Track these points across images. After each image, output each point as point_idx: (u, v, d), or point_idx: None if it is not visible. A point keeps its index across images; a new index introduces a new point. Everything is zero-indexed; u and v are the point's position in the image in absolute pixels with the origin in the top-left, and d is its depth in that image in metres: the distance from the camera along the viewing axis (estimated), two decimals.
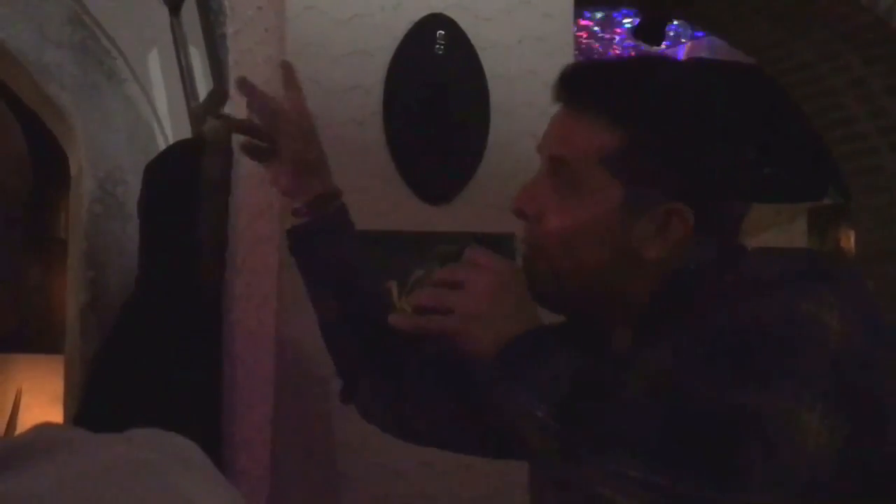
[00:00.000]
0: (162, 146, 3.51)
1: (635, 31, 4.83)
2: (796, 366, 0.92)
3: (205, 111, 2.80)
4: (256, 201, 2.38)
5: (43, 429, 0.56)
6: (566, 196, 1.08)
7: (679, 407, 0.93)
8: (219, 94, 2.68)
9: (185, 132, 3.10)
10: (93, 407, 2.75)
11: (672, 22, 5.17)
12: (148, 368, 2.55)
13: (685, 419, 0.92)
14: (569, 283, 1.10)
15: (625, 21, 5.66)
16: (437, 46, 2.25)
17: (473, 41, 2.28)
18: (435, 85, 2.24)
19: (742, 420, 0.89)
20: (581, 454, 0.96)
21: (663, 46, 5.72)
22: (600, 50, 6.20)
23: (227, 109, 2.62)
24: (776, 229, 5.47)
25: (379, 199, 2.22)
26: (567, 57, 2.43)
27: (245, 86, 1.52)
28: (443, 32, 2.26)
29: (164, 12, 3.08)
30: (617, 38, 5.99)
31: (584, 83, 1.12)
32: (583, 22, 5.63)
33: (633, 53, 6.36)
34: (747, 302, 0.97)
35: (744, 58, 4.51)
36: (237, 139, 2.54)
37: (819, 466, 0.89)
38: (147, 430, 0.60)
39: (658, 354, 1.02)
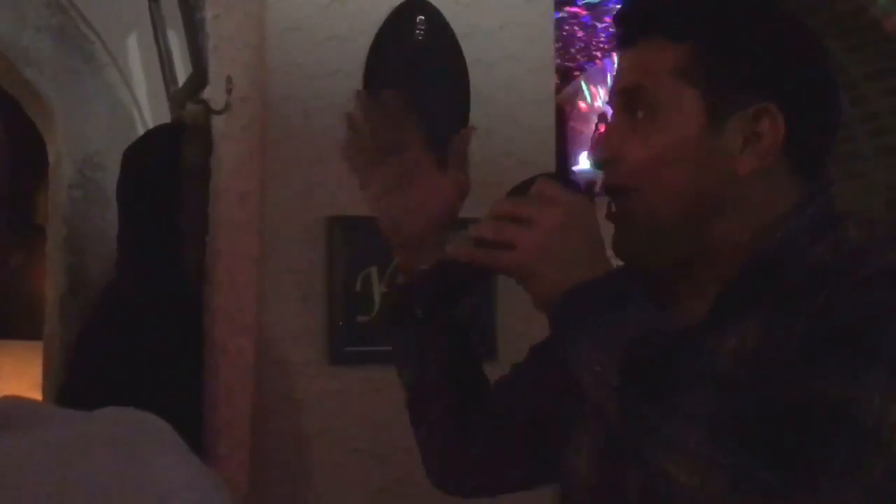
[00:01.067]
0: (141, 131, 3.49)
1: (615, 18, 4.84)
2: (887, 364, 0.84)
3: (184, 96, 2.79)
4: (237, 187, 2.38)
5: (9, 400, 0.55)
6: (644, 124, 1.01)
7: (762, 386, 0.87)
8: (198, 79, 2.67)
9: (165, 117, 3.08)
10: (73, 392, 2.75)
11: None
12: (128, 354, 2.54)
13: (767, 400, 0.85)
14: (665, 222, 1.01)
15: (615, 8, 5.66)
16: (418, 32, 2.25)
17: (454, 26, 2.28)
18: (415, 70, 2.24)
19: (832, 412, 0.83)
20: (643, 419, 0.88)
21: None
22: (583, 38, 6.20)
23: (207, 94, 2.61)
24: None
25: (358, 185, 2.22)
26: (547, 43, 2.43)
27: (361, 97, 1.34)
28: (423, 18, 2.26)
29: None
30: (600, 25, 5.99)
31: (636, 17, 1.06)
32: (571, 9, 5.63)
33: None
34: (854, 291, 0.90)
35: None
36: (217, 124, 2.53)
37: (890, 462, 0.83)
38: (120, 408, 0.59)
39: (742, 328, 0.96)
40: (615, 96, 1.06)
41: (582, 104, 7.05)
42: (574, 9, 5.72)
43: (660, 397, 0.87)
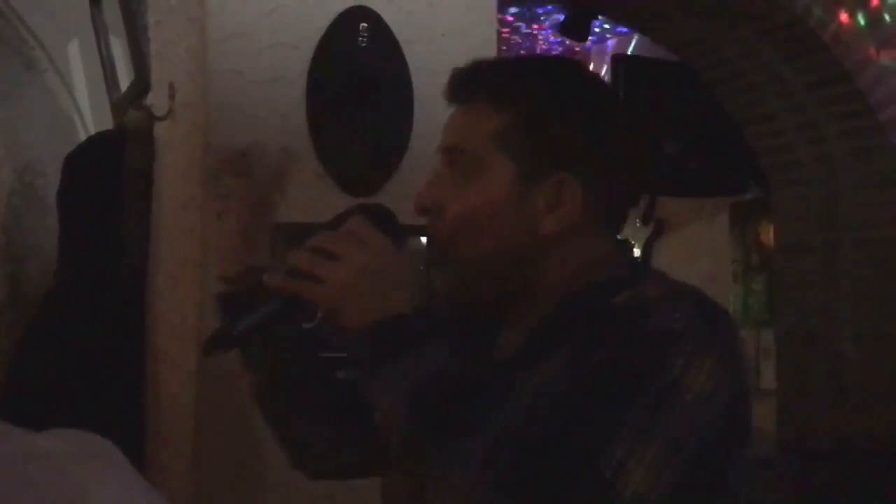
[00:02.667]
0: (83, 137, 3.46)
1: (561, 27, 4.88)
2: (639, 417, 0.97)
3: (127, 102, 2.76)
4: (179, 193, 2.36)
5: None
6: (464, 182, 1.11)
7: (529, 429, 0.98)
8: (140, 85, 2.65)
9: (107, 123, 3.05)
10: (12, 403, 2.70)
11: (597, 18, 5.23)
12: (68, 363, 2.51)
13: (529, 444, 0.97)
14: (474, 269, 1.12)
15: (542, 17, 5.70)
16: (361, 39, 2.26)
17: (397, 34, 2.29)
18: (358, 77, 2.24)
19: (581, 461, 0.95)
20: (424, 458, 0.99)
21: (589, 42, 5.78)
22: (527, 46, 6.25)
23: (149, 100, 2.59)
24: (699, 223, 5.57)
25: (302, 192, 2.22)
26: (490, 51, 2.44)
27: None
28: (366, 25, 2.26)
29: (84, 1, 3.03)
30: (541, 33, 6.04)
31: (468, 79, 1.16)
32: (507, 18, 5.67)
33: (560, 49, 6.41)
34: (625, 348, 1.01)
35: (667, 54, 4.59)
36: (160, 131, 2.52)
37: None
38: (65, 429, 0.59)
39: (546, 367, 1.05)
40: (440, 153, 1.16)
41: None
42: (508, 17, 5.76)
43: (439, 439, 0.98)
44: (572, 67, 1.22)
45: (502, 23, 5.53)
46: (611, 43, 6.18)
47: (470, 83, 1.15)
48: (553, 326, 1.09)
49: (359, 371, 1.05)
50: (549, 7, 5.57)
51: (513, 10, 5.58)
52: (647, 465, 0.95)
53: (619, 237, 1.19)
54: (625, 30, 5.83)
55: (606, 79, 6.00)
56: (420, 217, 1.15)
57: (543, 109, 1.12)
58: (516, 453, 0.96)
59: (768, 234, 4.99)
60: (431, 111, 2.31)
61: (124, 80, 2.82)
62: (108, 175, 2.59)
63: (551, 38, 6.17)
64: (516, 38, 6.12)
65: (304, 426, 1.31)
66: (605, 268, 1.12)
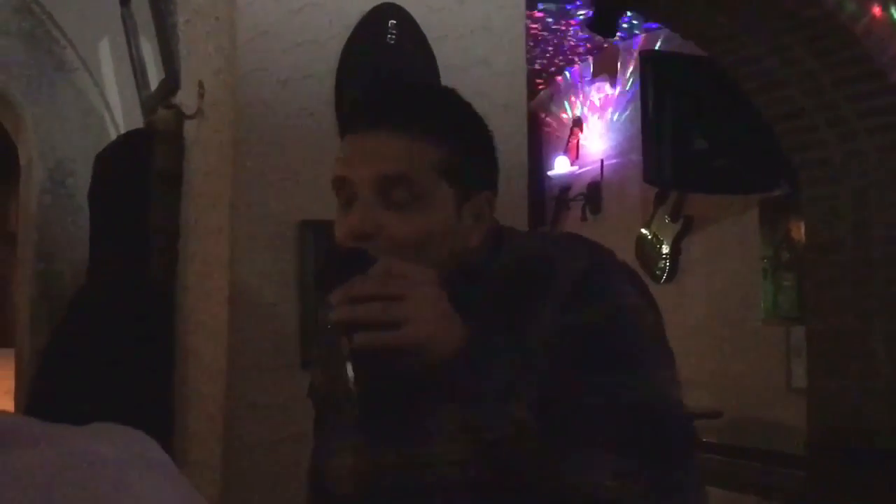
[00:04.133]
0: (112, 136, 3.48)
1: (589, 23, 4.86)
2: (658, 350, 1.18)
3: (156, 101, 2.78)
4: (208, 192, 2.37)
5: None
6: (406, 208, 1.18)
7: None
8: (170, 84, 2.66)
9: (137, 122, 3.07)
10: (42, 399, 2.73)
11: (625, 14, 5.20)
12: (98, 360, 2.53)
13: (627, 408, 1.10)
14: None
15: (578, 13, 5.68)
16: (389, 36, 2.26)
17: (425, 31, 2.29)
18: (387, 74, 2.24)
19: (665, 409, 1.12)
20: (540, 444, 1.07)
21: (616, 38, 5.76)
22: (554, 41, 6.23)
23: (179, 99, 2.60)
24: (728, 220, 5.52)
25: (330, 189, 2.22)
26: (519, 47, 2.44)
27: None
28: (395, 22, 2.26)
29: (114, 1, 3.05)
30: (570, 29, 6.01)
31: (394, 108, 1.23)
32: (535, 13, 5.64)
33: (588, 45, 6.38)
34: (578, 307, 1.14)
35: (695, 50, 4.56)
36: (189, 129, 2.53)
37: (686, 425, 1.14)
38: (108, 425, 0.59)
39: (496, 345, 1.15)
40: (373, 180, 1.18)
41: (556, 109, 7.08)
42: (539, 14, 5.74)
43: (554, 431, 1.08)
44: (458, 96, 1.31)
45: (531, 18, 5.52)
46: (638, 39, 6.15)
47: (399, 112, 1.22)
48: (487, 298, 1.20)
49: (459, 395, 1.09)
50: (578, 2, 5.55)
51: (541, 6, 5.56)
52: (674, 381, 1.16)
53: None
54: (653, 25, 5.80)
55: (637, 74, 5.97)
56: (355, 243, 1.16)
57: (471, 140, 1.25)
58: (636, 421, 1.09)
59: (798, 231, 4.95)
60: None
61: (154, 79, 2.84)
62: (138, 174, 2.60)
63: (579, 34, 6.15)
64: (545, 33, 6.10)
65: None
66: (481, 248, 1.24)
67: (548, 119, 7.13)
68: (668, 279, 5.95)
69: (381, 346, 1.06)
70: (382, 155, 1.19)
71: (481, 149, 1.27)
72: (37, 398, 2.82)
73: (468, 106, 1.29)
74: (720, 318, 5.56)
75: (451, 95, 1.32)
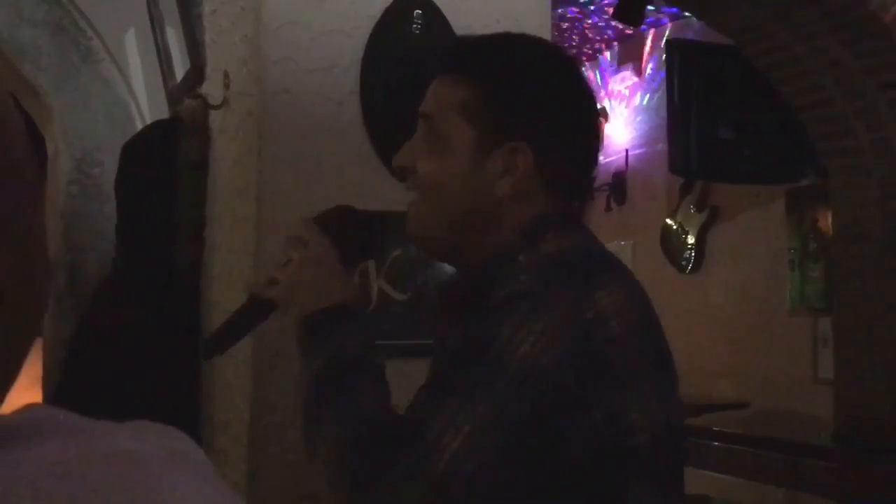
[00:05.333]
0: (139, 126, 3.49)
1: (614, 12, 4.83)
2: (466, 387, 1.09)
3: (182, 91, 2.79)
4: (234, 182, 2.38)
5: (31, 411, 0.55)
6: (433, 145, 1.24)
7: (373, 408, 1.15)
8: (195, 74, 2.67)
9: (163, 112, 3.08)
10: (69, 388, 2.75)
11: (651, 2, 5.17)
12: (125, 350, 2.54)
13: (383, 416, 1.14)
14: (437, 225, 1.25)
15: (604, 2, 5.65)
16: (415, 26, 2.25)
17: (451, 21, 2.28)
18: (412, 64, 2.24)
19: (406, 427, 1.11)
20: (314, 417, 1.18)
21: (643, 26, 5.72)
22: (579, 31, 6.20)
23: (204, 89, 2.61)
24: (755, 210, 5.49)
25: (356, 179, 2.22)
26: (545, 37, 2.43)
27: None
28: (420, 12, 2.26)
29: None
30: (590, 18, 5.98)
31: (448, 54, 1.31)
32: (570, 8, 5.62)
33: (611, 34, 6.35)
34: (481, 314, 1.13)
35: (723, 39, 4.52)
36: (215, 119, 2.53)
37: (456, 466, 1.06)
38: (143, 423, 0.59)
39: (453, 335, 1.22)
40: (419, 117, 1.28)
41: None
42: (573, 8, 5.72)
43: (325, 404, 1.16)
44: (538, 44, 1.33)
45: (556, 8, 5.49)
46: (665, 27, 6.12)
47: (448, 57, 1.30)
48: (463, 291, 1.25)
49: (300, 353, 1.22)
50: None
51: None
52: (464, 436, 1.06)
53: (572, 204, 1.30)
54: (679, 14, 5.76)
55: (661, 63, 5.94)
56: (397, 176, 1.29)
57: (503, 84, 1.24)
58: (374, 426, 1.12)
59: (826, 221, 4.91)
60: None
61: (179, 69, 2.85)
62: (164, 164, 2.61)
63: (604, 23, 6.12)
64: (568, 23, 6.07)
65: None
66: (521, 228, 1.22)
67: None
68: (694, 270, 5.93)
69: (254, 296, 1.26)
70: (428, 96, 1.28)
71: (517, 96, 1.24)
72: (64, 388, 2.84)
73: (522, 55, 1.29)
74: (746, 308, 5.53)
75: (509, 42, 1.33)
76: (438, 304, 1.37)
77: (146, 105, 3.56)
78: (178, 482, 0.53)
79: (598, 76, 6.87)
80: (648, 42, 6.34)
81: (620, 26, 5.93)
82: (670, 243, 6.07)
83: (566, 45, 6.43)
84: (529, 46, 1.32)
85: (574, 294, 1.11)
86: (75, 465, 0.51)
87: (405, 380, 1.28)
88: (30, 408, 0.55)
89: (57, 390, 2.92)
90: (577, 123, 1.27)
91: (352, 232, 1.28)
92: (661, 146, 5.76)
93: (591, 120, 1.30)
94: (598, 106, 6.78)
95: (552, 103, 1.25)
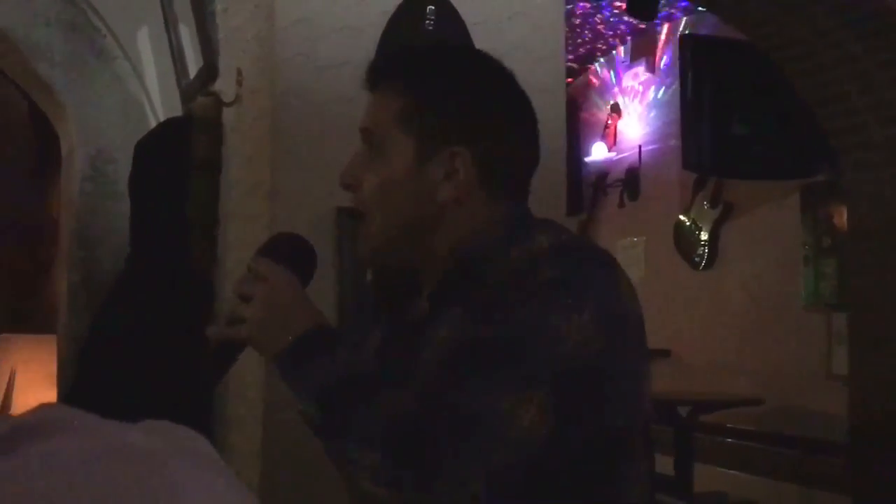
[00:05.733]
0: (152, 124, 3.50)
1: (628, 6, 4.82)
2: (524, 373, 1.10)
3: (195, 88, 2.79)
4: (247, 178, 2.38)
5: (44, 410, 0.55)
6: (374, 160, 1.26)
7: (408, 403, 1.13)
8: (208, 72, 2.68)
9: (176, 109, 3.09)
10: (84, 385, 2.76)
11: None
12: (139, 346, 2.55)
13: (410, 414, 1.11)
14: (386, 238, 1.26)
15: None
16: (427, 22, 2.25)
17: (463, 16, 2.28)
18: None
19: (456, 419, 1.09)
20: (338, 447, 1.16)
21: (655, 21, 5.71)
22: (591, 26, 6.18)
23: (217, 86, 2.61)
24: (768, 206, 5.46)
25: None
26: (557, 33, 2.42)
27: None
28: (433, 7, 2.25)
29: None
30: (601, 13, 5.96)
31: (377, 67, 1.32)
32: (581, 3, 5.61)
33: (624, 29, 6.33)
34: (513, 307, 1.14)
35: (736, 34, 4.51)
36: (228, 116, 2.54)
37: (520, 449, 1.09)
38: (156, 421, 0.59)
39: (451, 318, 1.20)
40: (360, 132, 1.30)
41: (593, 94, 7.04)
42: (584, 4, 5.70)
43: (343, 425, 1.13)
44: (467, 51, 1.39)
45: (568, 3, 5.48)
46: (678, 22, 6.10)
47: (378, 71, 1.30)
48: (447, 287, 1.24)
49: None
50: None
51: None
52: (536, 407, 1.08)
53: (518, 202, 1.30)
54: (693, 8, 5.74)
55: (675, 58, 5.92)
56: (345, 191, 1.29)
57: (437, 90, 1.26)
58: (409, 428, 1.10)
59: (840, 217, 4.89)
60: None
61: (193, 66, 2.85)
62: (178, 161, 2.62)
63: (616, 19, 6.10)
64: (580, 18, 6.06)
65: None
66: (497, 227, 1.24)
67: (585, 105, 7.09)
68: (707, 266, 5.91)
69: (217, 339, 1.22)
70: (366, 111, 1.30)
71: (453, 102, 1.26)
72: (79, 384, 2.85)
73: (458, 60, 1.33)
74: (760, 304, 5.51)
75: (439, 50, 1.37)
76: (385, 302, 1.35)
77: (159, 103, 3.57)
78: (189, 478, 0.53)
79: (612, 72, 6.86)
80: (661, 37, 6.32)
81: (633, 21, 5.92)
82: (684, 239, 6.05)
83: (578, 40, 6.42)
84: (459, 53, 1.36)
85: (607, 279, 1.17)
86: (86, 462, 0.52)
87: None
88: (43, 407, 0.55)
89: (71, 387, 2.93)
90: (513, 125, 1.29)
91: (301, 255, 1.28)
92: (675, 142, 5.75)
93: (526, 121, 1.31)
94: (613, 101, 6.80)
95: (487, 106, 1.27)
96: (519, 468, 1.10)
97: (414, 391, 1.15)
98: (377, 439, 1.11)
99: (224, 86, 2.53)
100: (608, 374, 1.14)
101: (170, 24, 3.00)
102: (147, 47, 3.53)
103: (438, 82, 1.28)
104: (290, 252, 1.27)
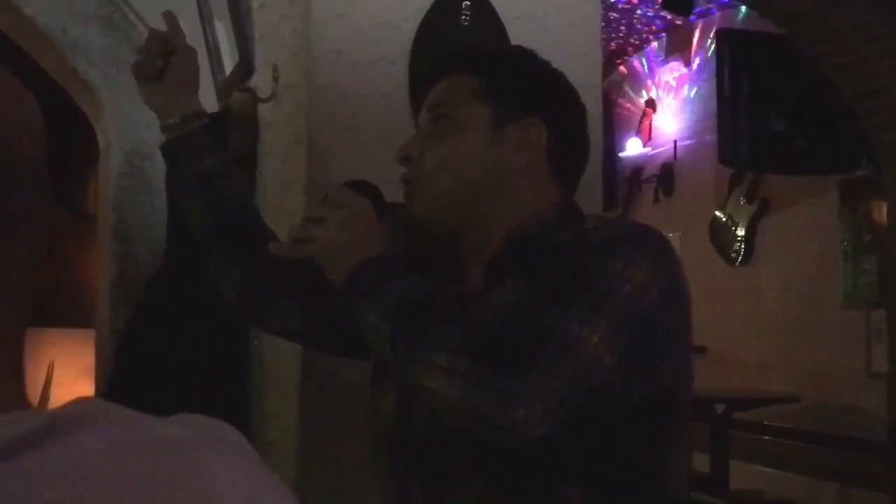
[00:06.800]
0: None
1: (664, 2, 4.79)
2: (589, 301, 1.15)
3: (231, 84, 2.80)
4: (283, 175, 2.39)
5: (80, 404, 0.55)
6: (445, 131, 1.31)
7: (490, 321, 1.19)
8: (244, 68, 2.68)
9: (212, 106, 3.10)
10: (121, 379, 2.78)
11: None
12: (176, 341, 2.57)
13: (497, 328, 1.16)
14: (447, 199, 1.30)
15: None
16: (464, 17, 2.24)
17: (500, 11, 2.27)
18: None
19: (541, 334, 1.13)
20: (406, 350, 1.17)
21: (692, 16, 5.67)
22: (624, 21, 6.15)
23: (253, 82, 2.62)
24: (807, 202, 5.41)
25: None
26: (593, 28, 2.41)
27: (168, 16, 1.70)
28: (469, 3, 2.25)
29: None
30: (639, 9, 5.93)
31: (447, 58, 1.39)
32: None
33: (661, 24, 6.29)
34: (574, 258, 1.21)
35: (773, 28, 4.46)
36: (263, 112, 2.54)
37: (590, 372, 1.13)
38: (190, 415, 0.59)
39: (504, 288, 1.25)
40: (426, 111, 1.35)
41: (628, 89, 7.00)
42: None
43: (417, 333, 1.16)
44: (529, 50, 1.43)
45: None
46: (714, 17, 6.05)
47: (449, 60, 1.37)
48: (505, 260, 1.28)
49: (348, 306, 1.24)
50: None
51: None
52: (601, 332, 1.13)
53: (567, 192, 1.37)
54: (729, 3, 5.69)
55: (710, 53, 5.87)
56: (401, 164, 1.34)
57: (514, 70, 1.35)
58: (488, 336, 1.15)
59: (880, 213, 4.83)
60: None
61: (228, 62, 2.86)
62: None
63: (652, 13, 6.07)
64: (615, 13, 6.03)
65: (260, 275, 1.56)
66: (552, 211, 1.31)
67: (620, 100, 7.06)
68: (744, 262, 5.86)
69: (285, 255, 1.30)
70: (434, 92, 1.35)
71: (529, 77, 1.34)
72: (116, 378, 2.87)
73: (527, 55, 1.39)
74: (798, 301, 5.46)
75: (503, 46, 1.54)
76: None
77: None
78: (222, 470, 0.53)
79: (646, 67, 6.81)
80: (697, 32, 6.27)
81: (669, 17, 5.88)
82: (720, 235, 6.01)
83: (614, 35, 6.38)
84: (525, 50, 1.42)
85: (661, 242, 1.25)
86: (120, 454, 0.52)
87: None
88: (79, 401, 0.55)
89: (109, 381, 2.96)
90: (578, 113, 1.36)
91: (377, 197, 1.33)
92: (710, 137, 5.70)
93: (585, 114, 1.38)
94: (648, 96, 6.75)
95: (558, 90, 1.35)
96: (584, 390, 1.13)
97: (482, 320, 1.20)
98: (458, 341, 1.13)
99: (260, 82, 2.54)
100: (661, 326, 1.19)
101: (205, 20, 3.01)
102: None
103: (511, 64, 1.36)
104: (367, 190, 1.33)
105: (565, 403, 1.12)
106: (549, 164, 1.31)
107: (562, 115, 1.33)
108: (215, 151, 1.61)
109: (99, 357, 3.81)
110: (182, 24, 1.71)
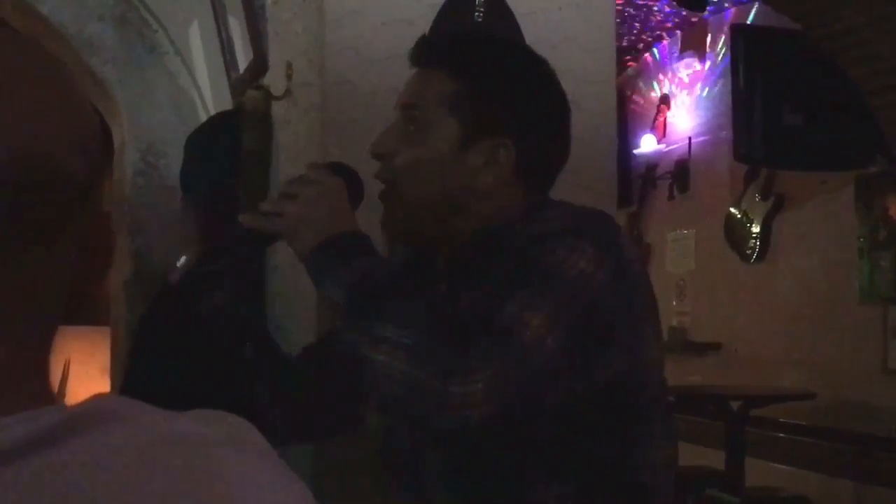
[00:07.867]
0: (203, 118, 3.53)
1: None
2: (533, 287, 1.17)
3: (245, 82, 2.81)
4: (297, 171, 2.39)
5: (97, 400, 0.55)
6: (414, 134, 1.30)
7: (441, 303, 1.23)
8: (258, 65, 2.69)
9: (226, 103, 3.11)
10: (137, 377, 2.79)
11: None
12: (191, 338, 2.57)
13: (440, 309, 1.19)
14: (414, 210, 1.31)
15: None
16: (477, 13, 2.24)
17: (513, 7, 2.26)
18: None
19: (477, 314, 1.16)
20: (360, 324, 1.19)
21: (706, 12, 5.64)
22: (640, 17, 6.13)
23: (267, 80, 2.62)
24: (822, 197, 5.38)
25: None
26: (608, 23, 2.40)
27: None
28: None
29: None
30: (656, 4, 5.91)
31: (429, 46, 1.37)
32: None
33: (676, 20, 6.27)
34: (523, 246, 1.22)
35: (788, 23, 4.44)
36: (277, 110, 2.54)
37: (531, 354, 1.14)
38: (207, 410, 0.59)
39: (454, 283, 1.28)
40: (398, 107, 1.35)
41: (642, 86, 6.98)
42: None
43: (370, 308, 1.18)
44: (516, 47, 1.43)
45: None
46: (729, 13, 6.02)
47: (430, 50, 1.35)
48: (466, 251, 1.30)
49: (313, 281, 1.26)
50: None
51: None
52: (542, 316, 1.14)
53: (544, 194, 1.37)
54: None
55: (725, 49, 5.85)
56: (374, 159, 1.34)
57: (490, 82, 1.30)
58: (436, 316, 1.16)
59: None
60: None
61: (242, 60, 2.87)
62: (228, 155, 2.63)
63: (666, 9, 6.04)
64: (630, 9, 6.01)
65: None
66: (517, 213, 1.31)
67: (634, 96, 7.04)
68: (759, 258, 5.84)
69: (255, 226, 1.29)
70: (409, 86, 1.35)
71: (504, 95, 1.31)
72: (131, 376, 2.88)
73: (512, 55, 1.37)
74: (813, 298, 5.43)
75: (489, 41, 1.43)
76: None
77: (210, 97, 3.59)
78: (238, 465, 0.53)
79: (660, 63, 6.79)
80: (711, 28, 6.25)
81: (683, 13, 5.86)
82: (735, 232, 5.98)
83: (628, 31, 6.37)
84: (509, 48, 1.42)
85: (610, 231, 1.25)
86: (136, 449, 0.52)
87: None
88: (96, 397, 0.55)
89: (124, 378, 2.97)
90: (555, 122, 1.34)
91: (353, 179, 1.34)
92: (725, 133, 5.68)
93: (565, 119, 1.36)
94: (667, 92, 6.73)
95: (533, 102, 1.32)
96: (527, 373, 1.15)
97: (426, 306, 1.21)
98: (407, 318, 1.15)
99: (274, 79, 2.54)
100: (607, 313, 1.20)
101: (219, 18, 3.02)
102: (198, 41, 3.56)
103: (490, 74, 1.31)
104: (343, 171, 1.33)
105: (507, 385, 1.13)
106: (518, 176, 1.31)
107: (534, 133, 1.32)
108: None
109: (115, 354, 3.82)
110: (196, 22, 1.69)
